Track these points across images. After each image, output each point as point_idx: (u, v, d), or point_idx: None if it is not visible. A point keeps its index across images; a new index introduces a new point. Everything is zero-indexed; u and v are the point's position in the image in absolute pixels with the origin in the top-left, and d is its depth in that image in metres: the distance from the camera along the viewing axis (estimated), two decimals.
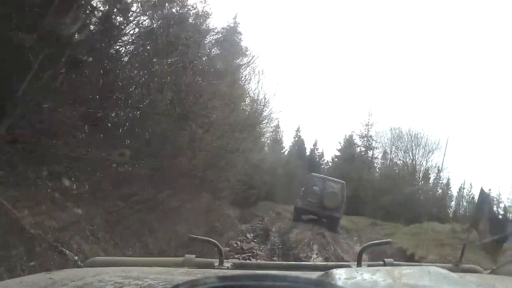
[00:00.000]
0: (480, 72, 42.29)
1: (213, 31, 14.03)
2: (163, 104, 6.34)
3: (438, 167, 26.17)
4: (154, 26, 6.62)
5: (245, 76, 14.16)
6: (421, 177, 26.62)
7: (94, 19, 5.57)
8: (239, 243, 9.64)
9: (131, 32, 6.37)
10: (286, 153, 30.47)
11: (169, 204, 7.12)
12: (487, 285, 1.01)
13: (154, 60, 6.49)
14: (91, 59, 5.06)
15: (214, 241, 1.37)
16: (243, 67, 13.69)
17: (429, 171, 26.79)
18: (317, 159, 33.48)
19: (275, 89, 24.30)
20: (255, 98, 14.45)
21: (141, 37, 6.42)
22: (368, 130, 29.99)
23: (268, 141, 23.85)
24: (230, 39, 17.67)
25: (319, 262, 7.03)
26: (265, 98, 14.31)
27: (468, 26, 44.32)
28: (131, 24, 6.19)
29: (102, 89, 5.50)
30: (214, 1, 13.96)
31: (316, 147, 33.88)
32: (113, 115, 5.60)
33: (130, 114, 5.61)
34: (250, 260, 6.61)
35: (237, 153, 10.14)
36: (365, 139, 30.25)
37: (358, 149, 30.56)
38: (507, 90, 34.88)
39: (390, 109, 53.56)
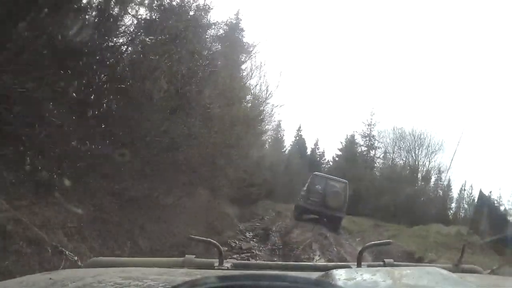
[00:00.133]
0: (484, 74, 41.94)
1: (215, 26, 13.78)
2: (158, 95, 6.04)
3: (439, 168, 25.93)
4: (154, 17, 6.43)
5: (247, 71, 13.88)
6: (422, 178, 26.41)
7: (90, 11, 5.31)
8: (237, 242, 9.37)
9: (128, 23, 6.14)
10: (287, 152, 30.54)
11: (164, 201, 6.76)
12: (487, 285, 1.02)
13: (151, 51, 6.23)
14: (86, 50, 4.81)
15: (214, 241, 1.35)
16: (245, 62, 13.44)
17: (431, 172, 26.57)
18: (318, 158, 33.45)
19: (278, 81, 24.06)
20: (257, 93, 14.16)
21: (139, 28, 6.20)
22: (370, 130, 29.86)
23: (269, 139, 23.69)
24: (232, 35, 17.44)
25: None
26: (267, 90, 13.98)
27: (472, 27, 43.96)
28: (129, 15, 5.97)
29: (91, 79, 5.16)
30: None
31: (317, 146, 33.92)
32: (104, 104, 5.25)
33: (121, 103, 5.26)
34: (249, 260, 6.36)
35: (237, 149, 9.83)
36: (367, 138, 30.06)
37: (360, 149, 30.40)
38: (508, 92, 34.65)
39: (392, 109, 53.34)
